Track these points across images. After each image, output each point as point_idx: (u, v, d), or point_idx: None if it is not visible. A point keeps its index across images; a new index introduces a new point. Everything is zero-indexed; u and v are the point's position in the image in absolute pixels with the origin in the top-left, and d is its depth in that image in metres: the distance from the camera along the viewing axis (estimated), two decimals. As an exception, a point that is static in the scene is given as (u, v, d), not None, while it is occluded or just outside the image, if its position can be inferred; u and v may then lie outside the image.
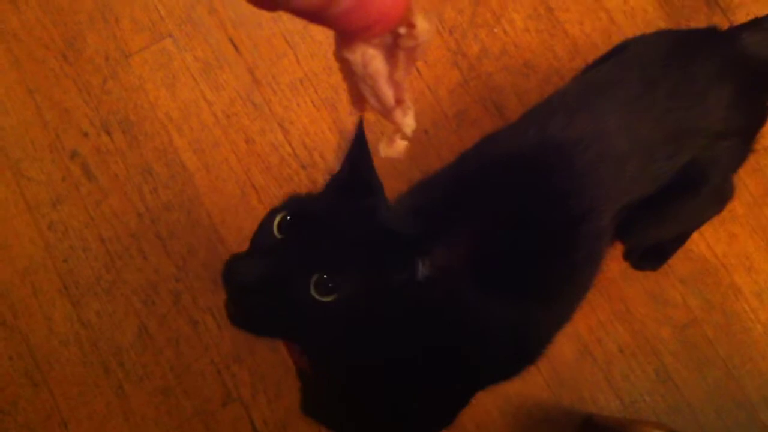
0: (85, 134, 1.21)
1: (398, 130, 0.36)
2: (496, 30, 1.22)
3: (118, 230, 1.18)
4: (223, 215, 1.18)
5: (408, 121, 0.36)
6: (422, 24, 0.32)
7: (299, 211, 0.61)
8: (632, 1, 1.22)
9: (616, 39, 1.08)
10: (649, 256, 1.12)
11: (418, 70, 1.21)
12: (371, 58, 0.32)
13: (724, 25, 1.18)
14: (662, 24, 1.20)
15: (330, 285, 0.57)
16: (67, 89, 1.22)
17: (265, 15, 1.24)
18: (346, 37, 0.31)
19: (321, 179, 1.18)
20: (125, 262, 1.17)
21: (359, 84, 0.34)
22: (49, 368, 1.14)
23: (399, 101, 0.35)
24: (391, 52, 0.33)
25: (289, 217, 0.60)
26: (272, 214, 0.62)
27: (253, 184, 1.19)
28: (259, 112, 1.21)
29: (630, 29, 1.20)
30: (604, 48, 1.00)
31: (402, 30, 0.32)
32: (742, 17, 1.19)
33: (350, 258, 0.58)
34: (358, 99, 0.35)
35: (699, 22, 1.19)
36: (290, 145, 1.20)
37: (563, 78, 1.17)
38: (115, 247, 1.18)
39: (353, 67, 0.33)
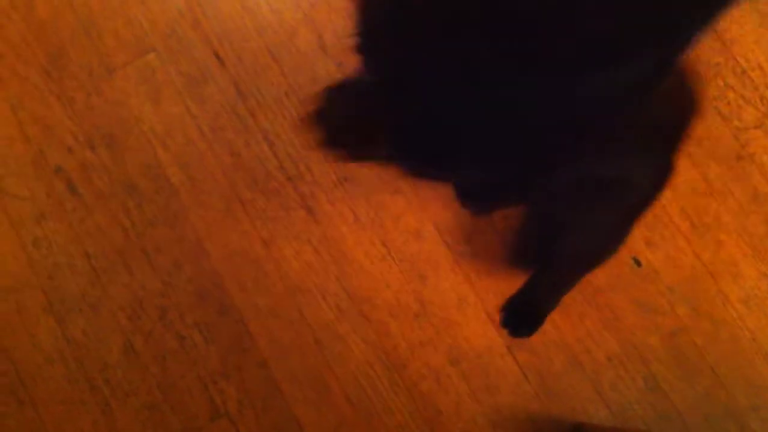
0: (69, 150, 1.20)
1: None
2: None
3: (103, 246, 1.17)
4: (209, 229, 1.18)
5: None
6: None
7: None
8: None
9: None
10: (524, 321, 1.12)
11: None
12: None
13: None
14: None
15: None
16: (50, 105, 1.21)
17: (249, 28, 1.24)
18: None
19: (308, 191, 1.18)
20: (111, 278, 1.16)
21: None
22: (34, 386, 1.14)
23: None
24: None
25: None
26: None
27: (239, 198, 1.18)
28: (244, 126, 1.20)
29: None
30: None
31: None
32: (724, 25, 1.20)
33: None
34: None
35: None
36: (276, 157, 1.20)
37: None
38: (100, 262, 1.17)
39: None
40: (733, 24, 1.20)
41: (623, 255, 1.15)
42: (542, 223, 0.96)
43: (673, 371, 1.11)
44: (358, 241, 1.16)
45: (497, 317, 1.13)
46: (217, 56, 1.23)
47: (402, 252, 1.16)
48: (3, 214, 1.19)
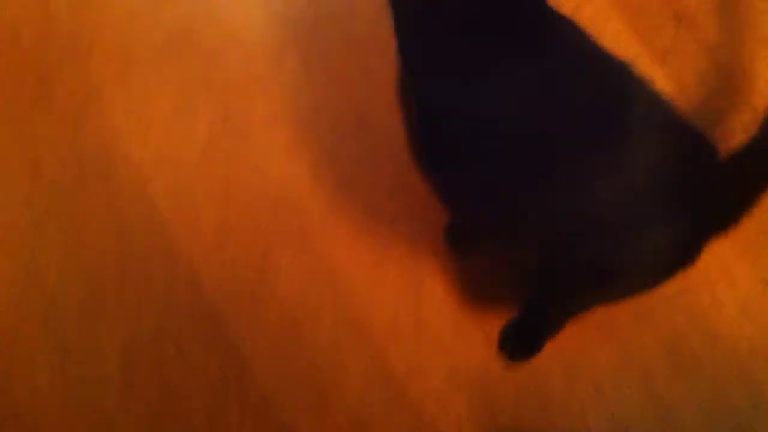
0: (53, 182, 1.21)
1: None
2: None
3: (98, 262, 1.18)
4: (200, 257, 1.17)
5: None
6: None
7: None
8: (600, 17, 1.22)
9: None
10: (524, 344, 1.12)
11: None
12: None
13: (692, 38, 1.19)
14: (629, 38, 1.20)
15: None
16: (40, 130, 1.22)
17: (238, 53, 1.24)
18: None
19: (296, 224, 1.18)
20: (107, 292, 1.16)
21: None
22: (30, 397, 1.13)
23: None
24: None
25: None
26: None
27: (230, 226, 1.19)
28: (234, 153, 1.21)
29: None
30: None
31: None
32: (711, 29, 1.19)
33: None
34: None
35: (666, 36, 1.20)
36: (267, 184, 1.20)
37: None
38: (96, 278, 1.17)
39: None
40: (721, 30, 1.19)
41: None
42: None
43: (672, 379, 1.11)
44: (355, 264, 1.16)
45: (495, 336, 1.13)
46: (207, 82, 1.23)
47: (399, 269, 1.16)
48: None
